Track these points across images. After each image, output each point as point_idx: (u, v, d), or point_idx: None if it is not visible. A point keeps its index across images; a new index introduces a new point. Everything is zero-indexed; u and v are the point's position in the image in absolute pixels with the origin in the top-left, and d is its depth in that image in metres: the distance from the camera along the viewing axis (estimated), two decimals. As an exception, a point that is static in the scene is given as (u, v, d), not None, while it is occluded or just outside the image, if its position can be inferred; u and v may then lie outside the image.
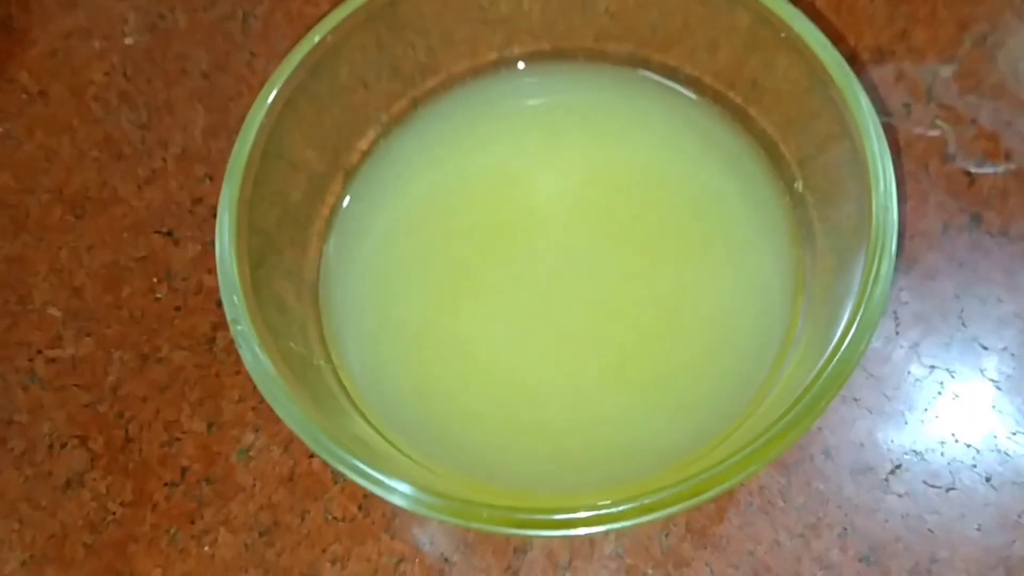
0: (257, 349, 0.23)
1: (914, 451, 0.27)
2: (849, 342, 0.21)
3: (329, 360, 0.27)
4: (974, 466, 0.26)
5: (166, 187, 0.33)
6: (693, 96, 0.29)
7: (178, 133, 0.34)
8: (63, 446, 0.30)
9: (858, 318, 0.22)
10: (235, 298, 0.23)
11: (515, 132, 0.30)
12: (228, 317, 0.23)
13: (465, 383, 0.26)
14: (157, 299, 0.31)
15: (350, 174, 0.30)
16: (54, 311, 0.32)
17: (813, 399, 0.21)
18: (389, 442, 0.26)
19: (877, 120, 0.23)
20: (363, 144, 0.30)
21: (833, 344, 0.22)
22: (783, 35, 0.25)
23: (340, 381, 0.27)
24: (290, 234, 0.28)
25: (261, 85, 0.35)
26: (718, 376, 0.26)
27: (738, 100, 0.29)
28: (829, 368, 0.21)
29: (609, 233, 0.27)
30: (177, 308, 0.31)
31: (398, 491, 0.21)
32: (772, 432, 0.21)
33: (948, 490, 0.26)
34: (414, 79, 0.31)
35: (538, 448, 0.26)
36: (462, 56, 0.31)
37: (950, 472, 0.26)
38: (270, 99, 0.26)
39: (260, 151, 0.26)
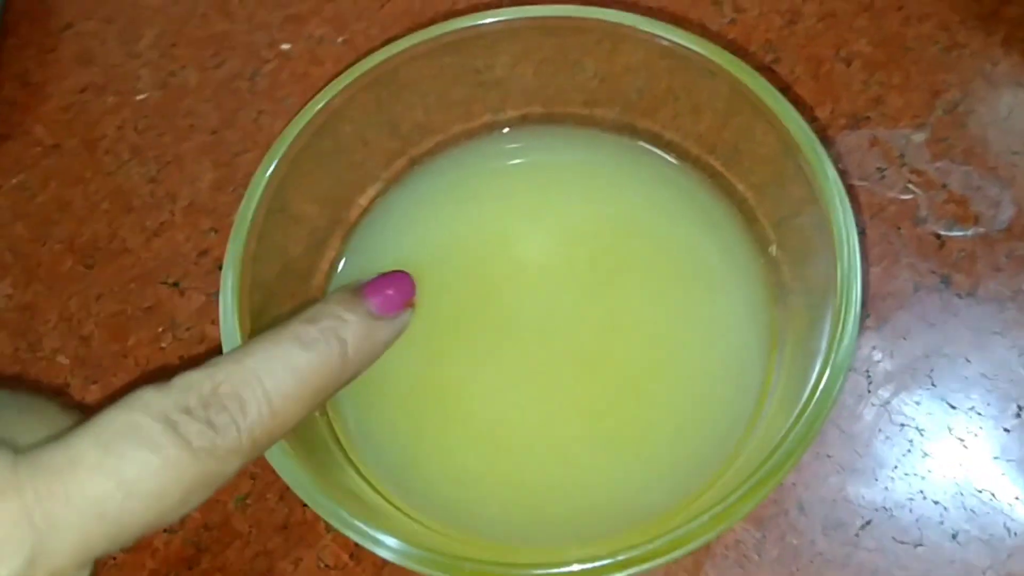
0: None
1: (884, 507, 0.28)
2: (817, 400, 0.23)
3: (324, 412, 0.28)
4: (941, 523, 0.28)
5: (173, 239, 0.35)
6: (675, 161, 0.31)
7: (186, 187, 0.36)
8: (69, 490, 0.31)
9: (825, 376, 0.23)
10: (233, 341, 0.25)
11: (505, 191, 0.31)
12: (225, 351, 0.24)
13: (452, 437, 0.28)
14: (162, 348, 0.33)
15: (349, 230, 0.31)
16: (63, 359, 0.33)
17: (784, 455, 0.22)
18: (380, 494, 0.27)
19: (844, 192, 0.24)
20: (363, 200, 0.32)
21: (803, 401, 0.23)
22: (757, 107, 0.27)
23: (335, 433, 0.28)
24: (290, 287, 0.29)
25: (267, 141, 0.37)
26: (695, 431, 0.27)
27: (718, 164, 0.30)
28: (799, 425, 0.22)
29: (593, 290, 0.29)
30: (181, 357, 0.33)
31: (385, 544, 0.22)
32: (745, 487, 0.22)
33: (916, 546, 0.27)
34: (412, 138, 0.32)
35: (521, 503, 0.27)
36: (457, 117, 0.32)
37: (918, 528, 0.28)
38: (275, 161, 0.27)
39: (264, 208, 0.27)
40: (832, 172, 0.25)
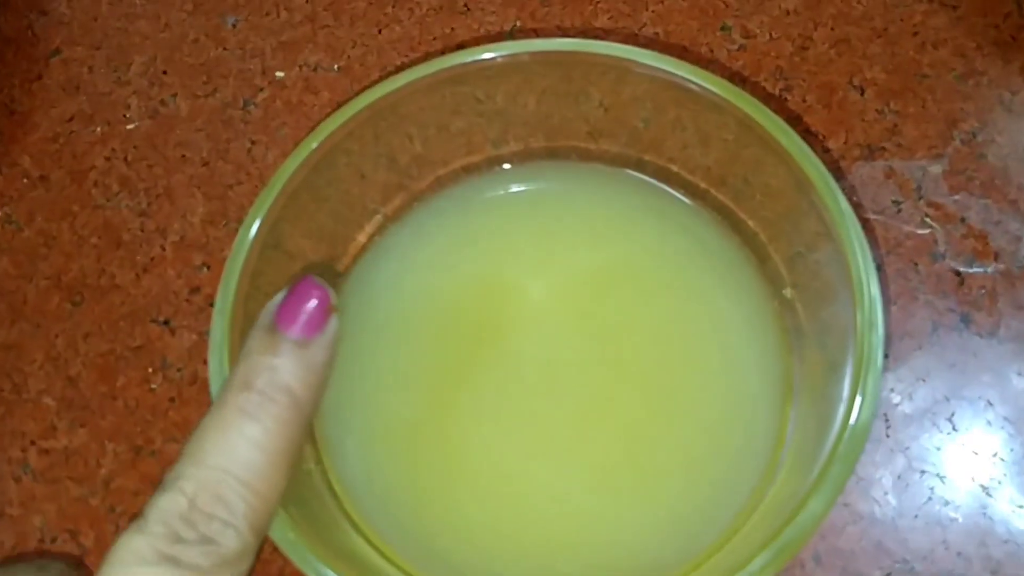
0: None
1: (904, 559, 0.27)
2: (838, 461, 0.21)
3: (320, 463, 0.27)
4: (964, 574, 0.26)
5: (164, 275, 0.34)
6: (683, 196, 0.30)
7: (177, 220, 0.35)
8: (53, 540, 0.30)
9: (847, 435, 0.22)
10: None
11: (508, 232, 0.30)
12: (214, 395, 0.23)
13: (453, 489, 0.27)
14: (152, 390, 0.32)
15: (347, 269, 0.30)
16: (48, 400, 0.32)
17: (805, 522, 0.21)
18: (378, 550, 0.26)
19: (860, 231, 0.23)
20: (361, 237, 0.31)
21: (823, 460, 0.22)
22: (767, 141, 0.26)
23: (331, 486, 0.27)
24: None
25: (260, 172, 0.36)
26: (706, 484, 0.26)
27: (727, 199, 0.29)
28: (821, 488, 0.21)
29: (599, 336, 0.28)
30: (172, 399, 0.31)
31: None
32: (765, 556, 0.21)
33: (939, 600, 0.26)
34: (410, 172, 0.31)
35: (527, 559, 0.26)
36: (458, 149, 0.31)
37: (941, 580, 0.26)
38: (272, 197, 0.26)
39: (259, 245, 0.26)
40: (847, 207, 0.24)
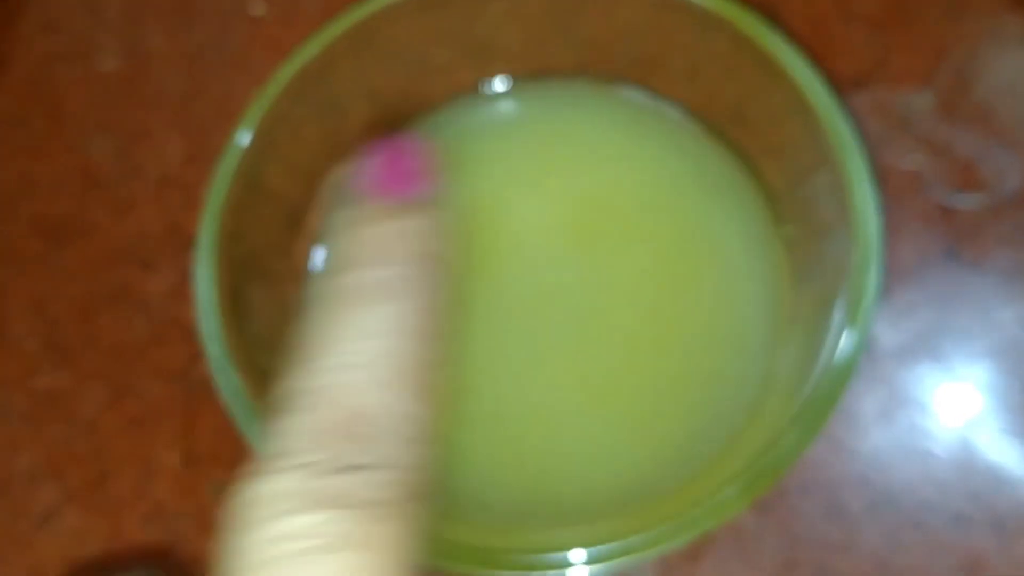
0: (232, 373, 0.23)
1: (887, 490, 0.27)
2: (826, 385, 0.21)
3: None
4: (946, 504, 0.26)
5: (143, 216, 0.33)
6: (681, 120, 0.29)
7: (155, 160, 0.34)
8: (39, 482, 0.30)
9: (836, 355, 0.22)
10: (211, 322, 0.24)
11: (497, 158, 0.30)
12: (203, 335, 0.23)
13: (447, 412, 0.27)
14: (133, 331, 0.31)
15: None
16: (30, 343, 0.32)
17: (791, 444, 0.21)
18: None
19: (863, 154, 0.23)
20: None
21: (812, 386, 0.22)
22: (763, 60, 0.25)
23: None
24: (268, 266, 0.28)
25: (239, 112, 0.35)
26: (698, 411, 0.26)
27: (725, 122, 0.29)
28: (807, 412, 0.21)
29: (593, 260, 0.27)
30: (153, 339, 0.31)
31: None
32: (751, 474, 0.21)
33: (920, 529, 0.26)
34: (392, 104, 0.31)
35: (518, 480, 0.26)
36: (441, 80, 0.31)
37: (923, 510, 0.26)
38: (249, 130, 0.26)
39: (239, 182, 0.26)
40: (851, 136, 0.23)
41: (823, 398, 0.21)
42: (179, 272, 0.32)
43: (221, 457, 0.29)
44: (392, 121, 0.31)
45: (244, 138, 0.26)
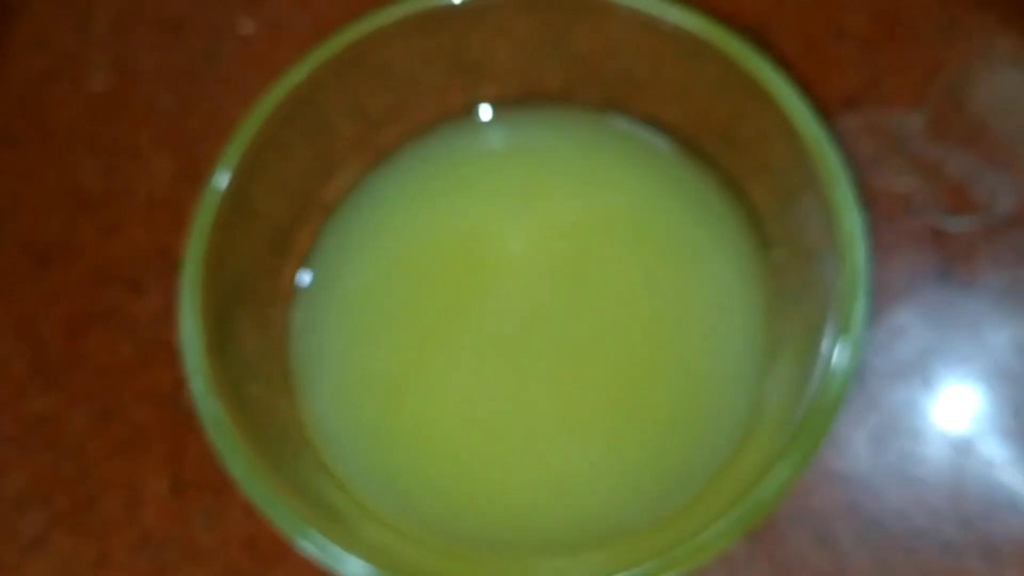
0: (217, 408, 0.23)
1: (877, 518, 0.26)
2: (815, 415, 0.21)
3: (290, 396, 0.27)
4: (938, 532, 0.26)
5: (131, 236, 0.33)
6: (669, 147, 0.29)
7: (144, 179, 0.34)
8: (27, 506, 0.30)
9: (826, 385, 0.21)
10: (195, 357, 0.23)
11: (485, 182, 0.30)
12: (187, 370, 0.23)
13: (427, 440, 0.26)
14: (121, 353, 0.31)
15: (317, 225, 0.30)
16: (17, 365, 0.31)
17: (781, 476, 0.21)
18: (351, 496, 0.26)
19: (848, 177, 0.23)
20: (332, 192, 0.30)
21: (800, 417, 0.22)
22: (751, 84, 0.25)
23: (304, 431, 0.27)
24: (255, 287, 0.28)
25: (228, 129, 0.35)
26: (683, 443, 0.26)
27: (714, 147, 0.28)
28: (796, 445, 0.21)
29: (579, 289, 0.27)
30: (141, 362, 0.31)
31: (349, 566, 0.21)
32: (742, 509, 0.21)
33: (911, 557, 0.26)
34: (381, 125, 0.30)
35: (500, 509, 0.26)
36: (430, 101, 0.30)
37: (913, 538, 0.26)
38: (238, 151, 0.25)
39: (227, 202, 0.25)
40: (838, 163, 0.23)
41: (813, 429, 0.21)
42: (168, 293, 0.32)
43: (210, 484, 0.29)
44: (381, 143, 0.30)
45: (231, 161, 0.26)
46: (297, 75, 0.26)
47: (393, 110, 0.30)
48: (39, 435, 0.30)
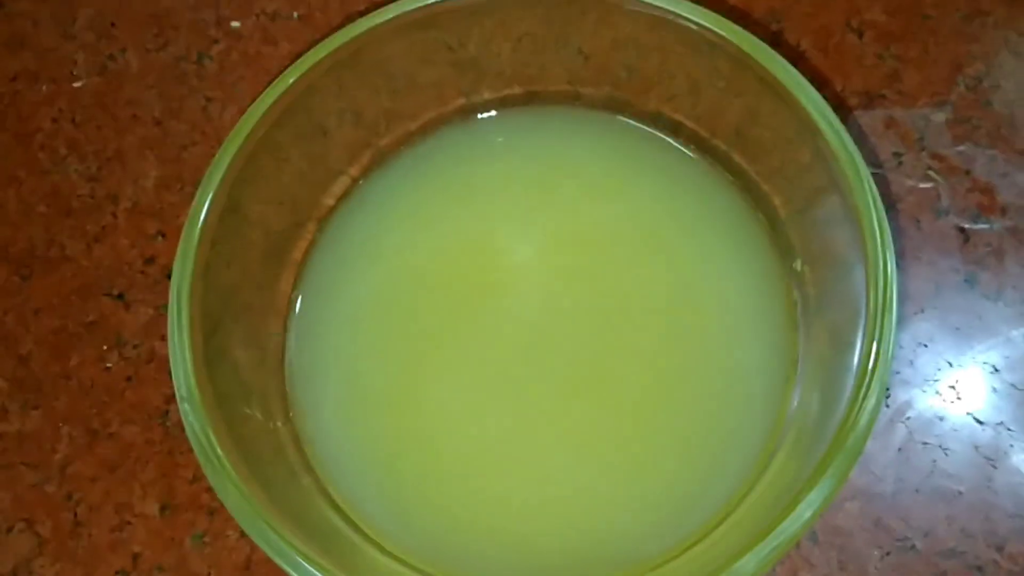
0: (207, 431, 0.21)
1: (905, 536, 0.25)
2: (846, 446, 0.20)
3: (289, 421, 0.26)
4: (968, 552, 0.25)
5: (117, 245, 0.31)
6: (676, 144, 0.28)
7: (129, 185, 0.32)
8: (9, 530, 0.28)
9: (857, 405, 0.20)
10: (184, 372, 0.22)
11: (491, 187, 0.28)
12: (177, 394, 0.22)
13: (431, 462, 0.25)
14: (107, 368, 0.30)
15: (314, 233, 0.28)
16: (-1, 382, 0.30)
17: (805, 513, 0.19)
18: (352, 523, 0.25)
19: (873, 185, 0.21)
20: (328, 200, 0.29)
21: (828, 444, 0.20)
22: (766, 81, 0.23)
23: (302, 452, 0.26)
24: (249, 299, 0.26)
25: (217, 132, 0.33)
26: (699, 465, 0.24)
27: (726, 147, 0.27)
28: (824, 476, 0.19)
29: (591, 300, 0.26)
30: (128, 378, 0.30)
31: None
32: (767, 548, 0.19)
33: (941, 578, 0.25)
34: (378, 127, 0.29)
35: (506, 539, 0.24)
36: (428, 101, 0.29)
37: (944, 559, 0.25)
38: (229, 157, 0.24)
39: (218, 210, 0.24)
40: (857, 155, 0.22)
41: (846, 453, 0.20)
42: (155, 304, 0.30)
43: (203, 505, 0.28)
44: (379, 145, 0.29)
45: (222, 167, 0.24)
46: (291, 76, 0.25)
47: (391, 112, 0.29)
48: (21, 455, 0.29)
